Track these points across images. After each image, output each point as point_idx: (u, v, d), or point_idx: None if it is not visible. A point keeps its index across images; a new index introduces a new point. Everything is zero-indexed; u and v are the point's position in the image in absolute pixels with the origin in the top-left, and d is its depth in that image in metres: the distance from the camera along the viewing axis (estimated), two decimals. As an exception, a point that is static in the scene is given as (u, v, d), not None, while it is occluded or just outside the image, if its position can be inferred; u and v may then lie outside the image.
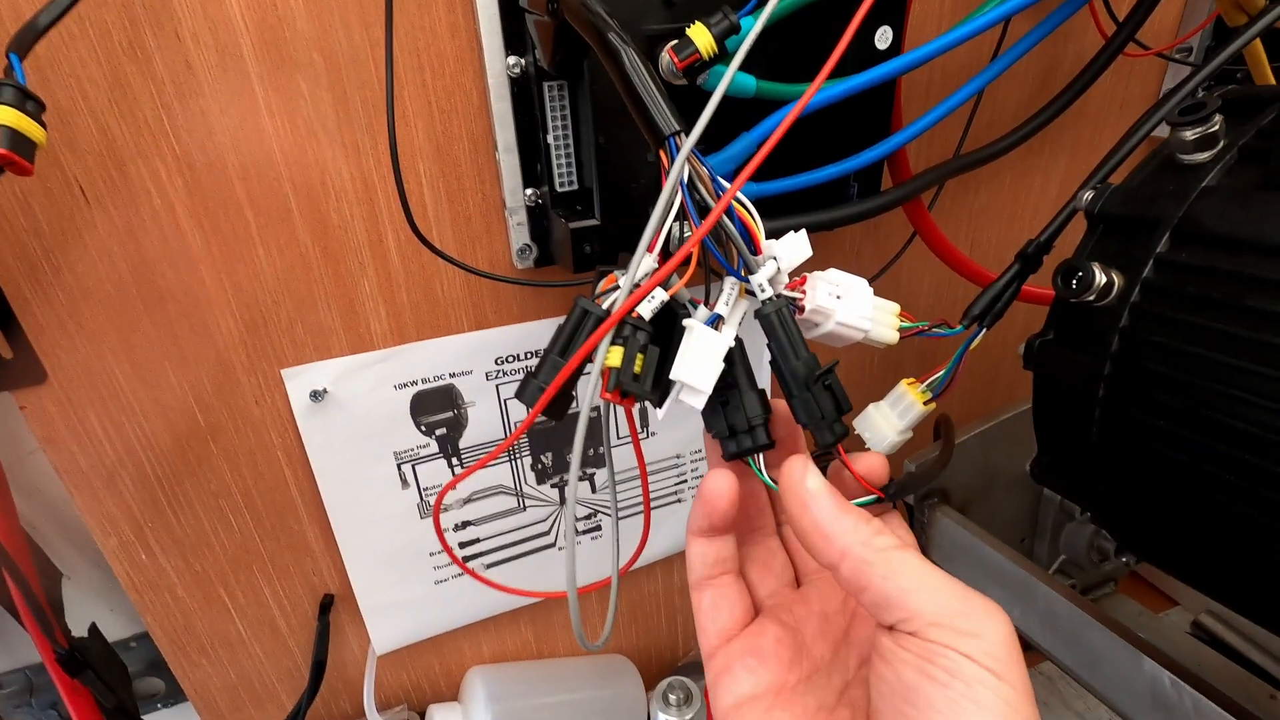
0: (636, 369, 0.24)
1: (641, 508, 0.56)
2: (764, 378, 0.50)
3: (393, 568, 0.50)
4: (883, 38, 0.38)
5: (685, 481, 0.57)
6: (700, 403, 0.25)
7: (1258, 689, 0.52)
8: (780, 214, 0.39)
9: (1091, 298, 0.28)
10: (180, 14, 0.34)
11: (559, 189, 0.39)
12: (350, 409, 0.44)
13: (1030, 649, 0.47)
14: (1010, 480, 0.55)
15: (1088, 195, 0.30)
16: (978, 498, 0.54)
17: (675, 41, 0.32)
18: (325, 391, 0.43)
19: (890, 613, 0.20)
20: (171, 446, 0.42)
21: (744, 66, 0.36)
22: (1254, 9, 0.37)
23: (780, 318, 0.25)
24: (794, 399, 0.25)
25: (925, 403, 0.34)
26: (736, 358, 0.26)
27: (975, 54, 0.50)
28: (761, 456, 0.25)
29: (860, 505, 0.26)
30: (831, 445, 0.25)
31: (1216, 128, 0.27)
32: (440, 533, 0.32)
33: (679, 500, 0.58)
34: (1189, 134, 0.27)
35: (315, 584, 0.49)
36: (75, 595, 0.55)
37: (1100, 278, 0.28)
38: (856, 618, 0.25)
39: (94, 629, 0.44)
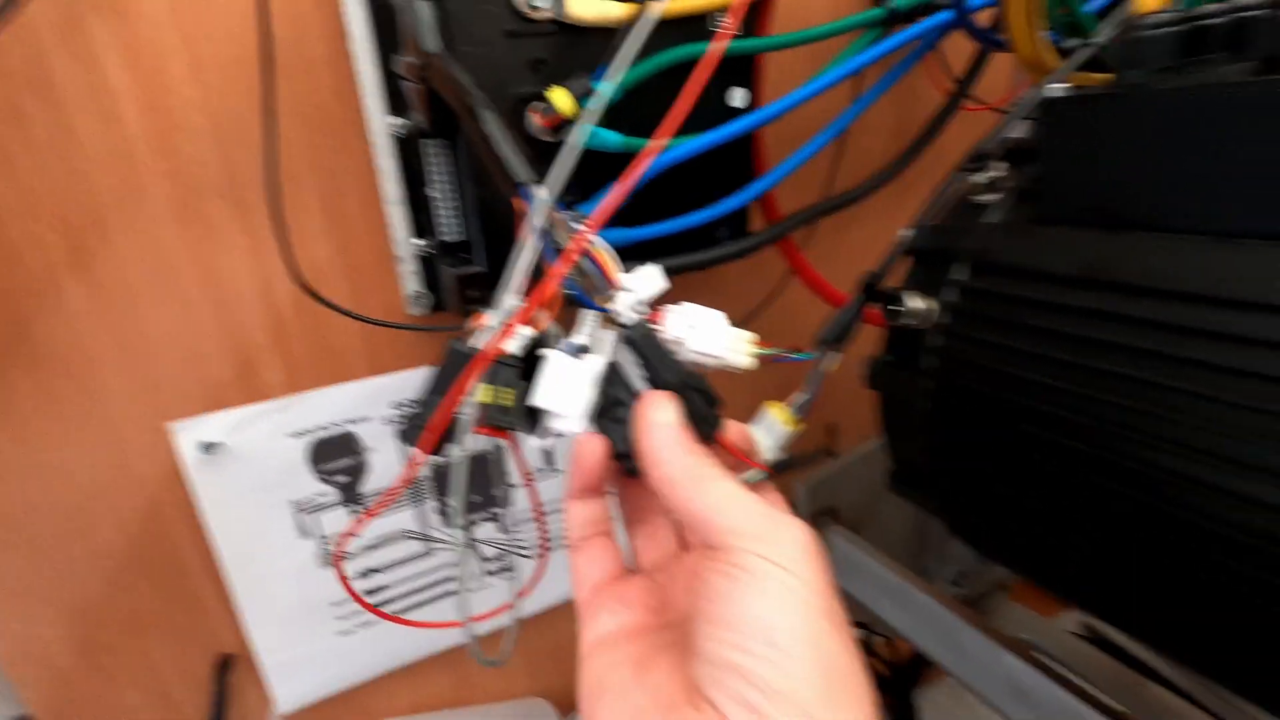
0: (506, 402, 0.26)
1: (555, 544, 0.57)
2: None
3: (294, 621, 0.49)
4: (736, 97, 0.42)
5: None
6: (574, 428, 0.27)
7: (1128, 678, 0.56)
8: (653, 257, 0.42)
9: (913, 322, 0.32)
10: (62, 82, 0.35)
11: (445, 239, 0.41)
12: (245, 460, 0.44)
13: (916, 652, 0.50)
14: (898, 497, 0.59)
15: (907, 233, 0.35)
16: (868, 516, 0.57)
17: (540, 103, 0.36)
18: (217, 444, 0.43)
19: (702, 532, 0.22)
20: (51, 508, 0.41)
21: (613, 124, 0.40)
22: (1048, 68, 0.43)
23: (645, 339, 0.27)
24: None
25: (792, 423, 0.37)
26: (619, 378, 0.28)
27: (837, 108, 0.55)
28: None
29: (747, 480, 0.28)
30: (711, 435, 0.27)
31: (1000, 173, 0.32)
32: (343, 577, 0.32)
33: (590, 535, 0.59)
34: (978, 178, 0.32)
35: (211, 644, 0.48)
36: (-54, 678, 0.52)
37: (916, 304, 0.32)
38: None
39: (-37, 710, 0.42)
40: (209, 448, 0.43)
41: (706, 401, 0.27)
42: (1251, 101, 0.20)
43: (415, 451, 0.27)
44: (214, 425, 0.43)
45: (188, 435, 0.42)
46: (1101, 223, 0.26)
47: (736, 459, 0.28)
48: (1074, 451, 0.26)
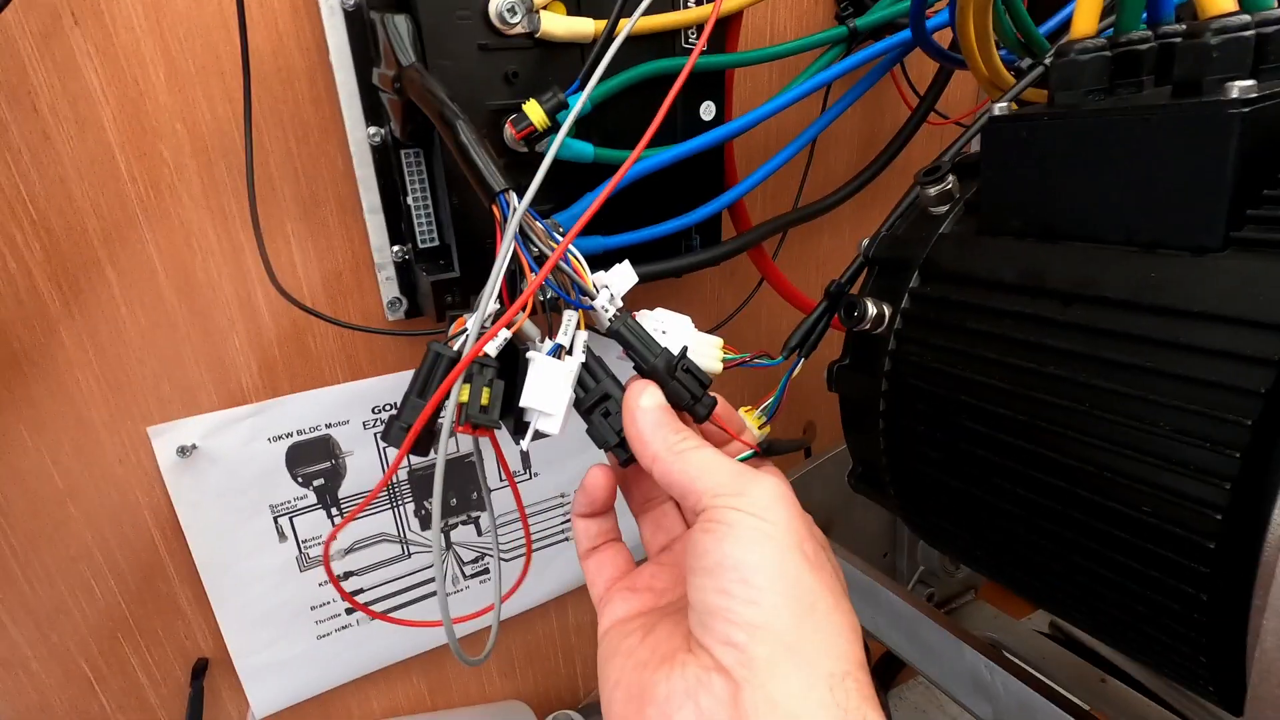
0: (484, 401, 0.27)
1: (536, 545, 0.58)
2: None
3: (271, 625, 0.50)
4: (706, 111, 0.44)
5: (570, 521, 0.59)
6: (555, 428, 0.28)
7: (1090, 675, 0.58)
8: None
9: (868, 327, 0.34)
10: (38, 89, 0.35)
11: (421, 245, 0.42)
12: (222, 464, 0.45)
13: (888, 650, 0.51)
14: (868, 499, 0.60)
15: (865, 242, 0.36)
16: (840, 516, 0.59)
17: (514, 115, 0.37)
18: (194, 447, 0.43)
19: (688, 498, 0.24)
20: (26, 510, 0.41)
21: (584, 135, 0.41)
22: (1006, 85, 0.45)
23: (628, 328, 0.28)
24: (665, 390, 0.28)
25: (760, 426, 0.38)
26: (600, 372, 0.29)
27: (805, 121, 0.57)
28: None
29: (742, 459, 0.29)
30: (706, 418, 0.28)
31: (951, 186, 0.33)
32: (331, 576, 0.32)
33: (566, 539, 0.60)
34: (931, 191, 0.33)
35: (187, 648, 0.48)
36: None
37: (873, 310, 0.33)
38: None
39: (-67, 714, 0.42)
40: (185, 451, 0.43)
41: (698, 381, 0.28)
42: (1163, 124, 0.22)
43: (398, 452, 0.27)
44: (191, 429, 0.43)
45: (164, 439, 0.43)
46: (1038, 234, 0.28)
47: (731, 437, 0.30)
48: (1014, 448, 0.27)
